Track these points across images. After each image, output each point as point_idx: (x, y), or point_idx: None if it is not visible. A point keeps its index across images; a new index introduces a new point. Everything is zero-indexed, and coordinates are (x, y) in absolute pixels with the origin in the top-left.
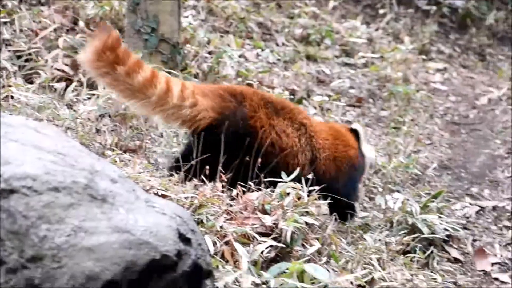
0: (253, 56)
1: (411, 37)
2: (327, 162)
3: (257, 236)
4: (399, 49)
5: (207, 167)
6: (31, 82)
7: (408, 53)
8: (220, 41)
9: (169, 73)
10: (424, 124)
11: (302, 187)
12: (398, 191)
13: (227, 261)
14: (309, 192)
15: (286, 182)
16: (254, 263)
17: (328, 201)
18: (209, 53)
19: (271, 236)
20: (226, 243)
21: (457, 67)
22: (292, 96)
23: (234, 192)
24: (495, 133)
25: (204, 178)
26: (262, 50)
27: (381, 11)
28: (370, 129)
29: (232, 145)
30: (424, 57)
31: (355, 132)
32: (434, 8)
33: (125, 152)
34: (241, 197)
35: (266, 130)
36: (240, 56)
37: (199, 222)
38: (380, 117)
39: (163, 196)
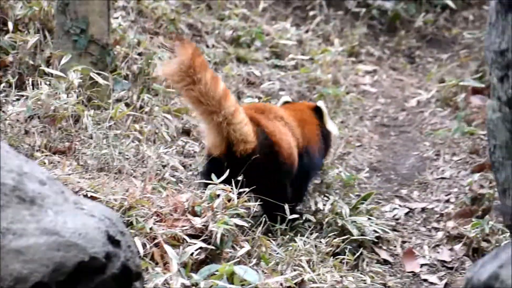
0: None
1: (340, 39)
2: (306, 143)
3: (187, 238)
4: (329, 51)
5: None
6: None
7: (338, 55)
8: (150, 43)
9: (99, 74)
10: (354, 126)
11: (232, 188)
12: (328, 193)
13: (157, 263)
14: (239, 193)
15: (216, 184)
16: (184, 265)
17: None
18: (139, 54)
19: (201, 238)
20: (156, 245)
21: (387, 69)
22: None
23: (164, 193)
24: (424, 135)
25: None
26: None
27: (311, 13)
28: None
29: (267, 168)
30: (353, 59)
31: (318, 110)
32: (364, 10)
33: (54, 153)
34: (171, 198)
35: (282, 141)
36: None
37: (129, 224)
38: None
39: (93, 198)
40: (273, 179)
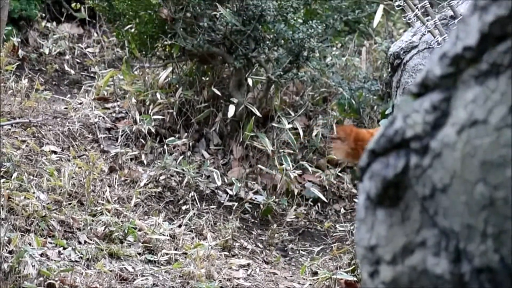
0: (55, 255)
1: (214, 233)
2: None
3: None
4: (202, 246)
5: None
6: None
7: (211, 249)
8: (21, 241)
9: None
10: None
11: None
12: None
13: None
14: None
15: None
16: None
17: None
18: (10, 252)
19: None
20: None
21: (260, 262)
22: None
23: None
24: None
25: None
26: (64, 248)
27: (184, 207)
28: None
29: None
30: (227, 253)
31: None
32: (236, 204)
33: None
34: None
35: None
36: (41, 255)
37: None
38: None
39: None
40: None
